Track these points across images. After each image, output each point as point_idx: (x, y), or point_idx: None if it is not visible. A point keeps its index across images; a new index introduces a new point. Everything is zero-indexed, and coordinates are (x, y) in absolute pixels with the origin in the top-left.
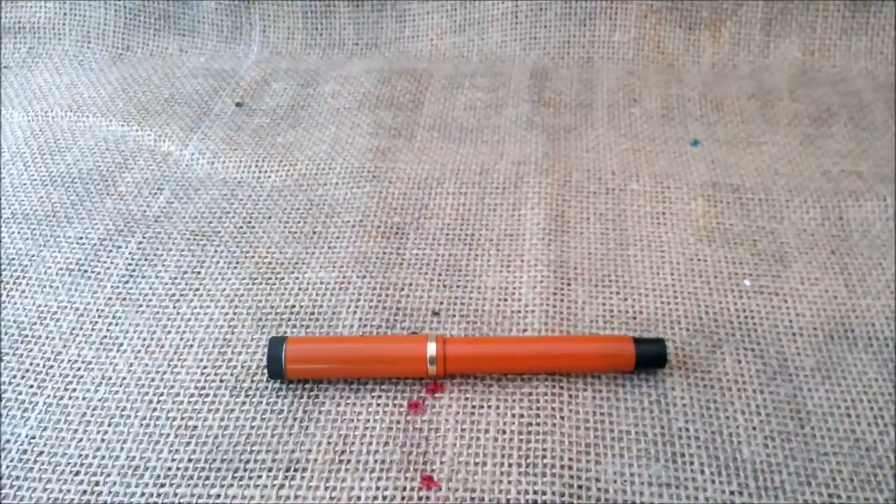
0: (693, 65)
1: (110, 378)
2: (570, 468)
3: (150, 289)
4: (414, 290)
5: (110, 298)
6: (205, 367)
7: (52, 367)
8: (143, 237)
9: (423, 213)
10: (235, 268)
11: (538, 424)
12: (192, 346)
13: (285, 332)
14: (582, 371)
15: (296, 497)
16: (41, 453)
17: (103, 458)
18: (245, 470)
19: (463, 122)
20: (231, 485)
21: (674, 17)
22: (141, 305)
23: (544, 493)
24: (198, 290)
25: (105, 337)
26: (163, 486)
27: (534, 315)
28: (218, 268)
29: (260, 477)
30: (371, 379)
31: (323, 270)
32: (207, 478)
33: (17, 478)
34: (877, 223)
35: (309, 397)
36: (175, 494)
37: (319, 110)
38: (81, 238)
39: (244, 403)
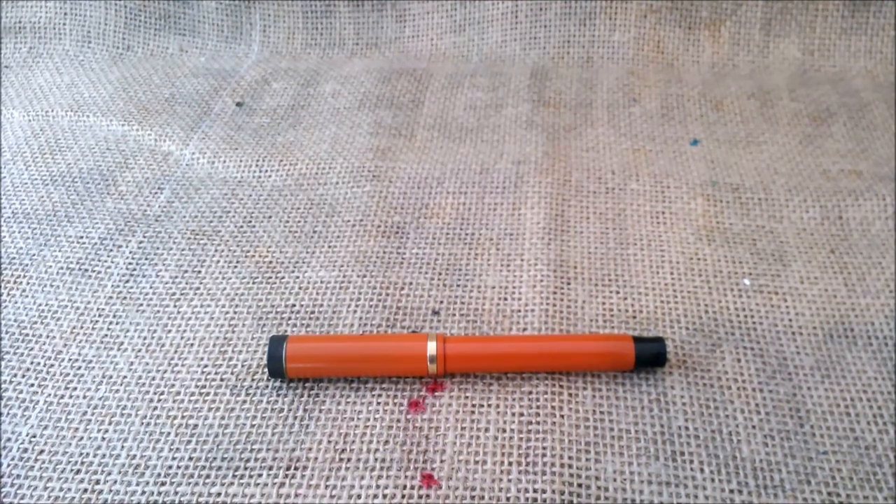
0: (693, 64)
1: (111, 377)
2: (570, 466)
3: (151, 288)
4: (414, 290)
5: (111, 297)
6: (205, 366)
7: (52, 365)
8: (144, 236)
9: (423, 213)
10: (236, 267)
11: (538, 423)
12: (192, 344)
13: (286, 331)
14: (582, 370)
15: (296, 495)
16: (42, 452)
17: (104, 456)
18: (245, 468)
19: (463, 121)
20: (231, 483)
21: (674, 17)
22: (141, 304)
23: (544, 491)
24: (198, 289)
25: (106, 336)
26: (163, 484)
27: (534, 314)
28: (218, 267)
29: (260, 475)
30: (371, 378)
31: (323, 269)
32: (208, 476)
33: (18, 476)
34: (876, 222)
35: (309, 396)
36: (176, 493)
37: (319, 110)
38: (82, 237)
39: (245, 402)
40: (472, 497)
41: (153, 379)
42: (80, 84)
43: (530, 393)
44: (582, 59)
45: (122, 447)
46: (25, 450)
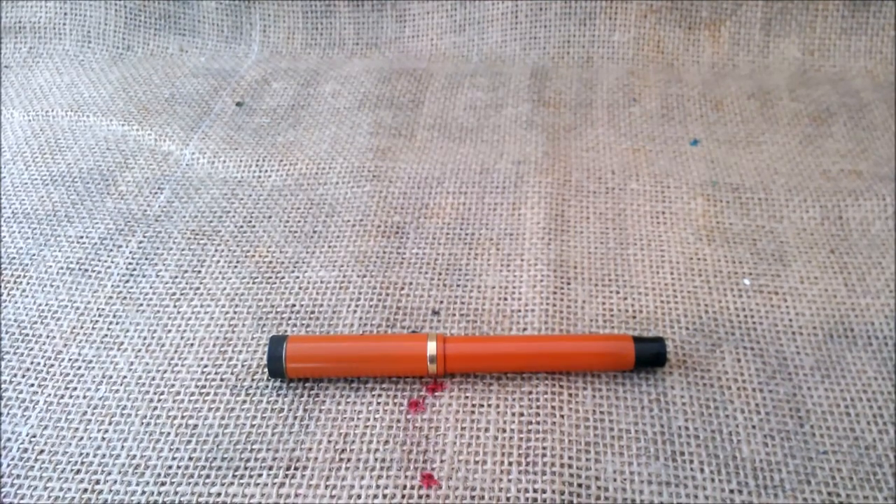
0: (693, 64)
1: (111, 377)
2: (570, 466)
3: (151, 288)
4: (414, 290)
5: (111, 297)
6: (205, 366)
7: (52, 365)
8: (144, 236)
9: (423, 213)
10: (236, 267)
11: (538, 423)
12: (192, 344)
13: (286, 331)
14: (582, 370)
15: (296, 495)
16: (42, 452)
17: (104, 456)
18: (245, 468)
19: (463, 121)
20: (231, 483)
21: (674, 17)
22: (141, 304)
23: (544, 491)
24: (198, 289)
25: (106, 336)
26: (163, 484)
27: (534, 314)
28: (218, 267)
29: (260, 475)
30: (371, 378)
31: (323, 269)
32: (208, 476)
33: (18, 476)
34: (876, 222)
35: (309, 396)
36: (175, 493)
37: (319, 110)
38: (82, 237)
39: (245, 402)
40: (472, 497)
41: (153, 379)
42: (80, 84)
43: (530, 393)
44: (582, 59)
45: (122, 447)
46: (25, 450)
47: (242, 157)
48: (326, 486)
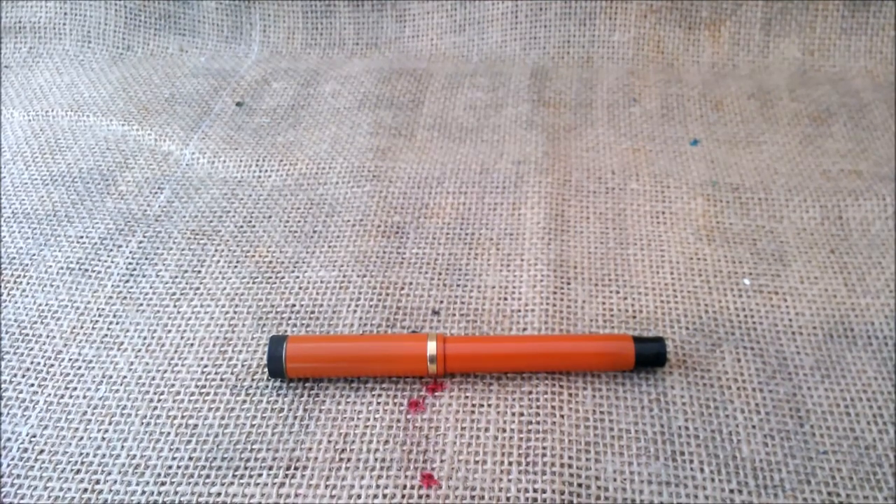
0: (693, 64)
1: (111, 377)
2: (570, 466)
3: (151, 288)
4: (414, 289)
5: (111, 297)
6: (205, 366)
7: (52, 365)
8: (144, 236)
9: (423, 213)
10: (236, 267)
11: (538, 423)
12: (192, 344)
13: (286, 331)
14: (582, 370)
15: (296, 495)
16: (42, 452)
17: (104, 456)
18: (245, 468)
19: (463, 121)
20: (231, 483)
21: (674, 17)
22: (141, 304)
23: (544, 491)
24: (198, 289)
25: (106, 336)
26: (163, 484)
27: (534, 314)
28: (218, 267)
29: (260, 475)
30: (371, 378)
31: (323, 269)
32: (208, 476)
33: (18, 476)
34: (876, 222)
35: (309, 396)
36: (175, 493)
37: (319, 110)
38: (82, 237)
39: (245, 402)
40: (472, 497)
41: (153, 379)
42: (80, 84)
43: (530, 393)
44: (582, 59)
45: (122, 447)
46: (25, 450)
47: (242, 157)
48: (326, 486)
